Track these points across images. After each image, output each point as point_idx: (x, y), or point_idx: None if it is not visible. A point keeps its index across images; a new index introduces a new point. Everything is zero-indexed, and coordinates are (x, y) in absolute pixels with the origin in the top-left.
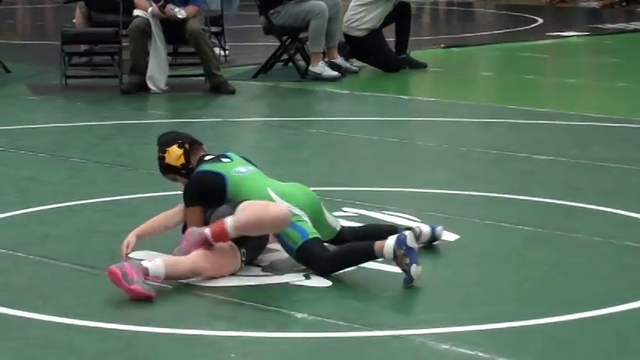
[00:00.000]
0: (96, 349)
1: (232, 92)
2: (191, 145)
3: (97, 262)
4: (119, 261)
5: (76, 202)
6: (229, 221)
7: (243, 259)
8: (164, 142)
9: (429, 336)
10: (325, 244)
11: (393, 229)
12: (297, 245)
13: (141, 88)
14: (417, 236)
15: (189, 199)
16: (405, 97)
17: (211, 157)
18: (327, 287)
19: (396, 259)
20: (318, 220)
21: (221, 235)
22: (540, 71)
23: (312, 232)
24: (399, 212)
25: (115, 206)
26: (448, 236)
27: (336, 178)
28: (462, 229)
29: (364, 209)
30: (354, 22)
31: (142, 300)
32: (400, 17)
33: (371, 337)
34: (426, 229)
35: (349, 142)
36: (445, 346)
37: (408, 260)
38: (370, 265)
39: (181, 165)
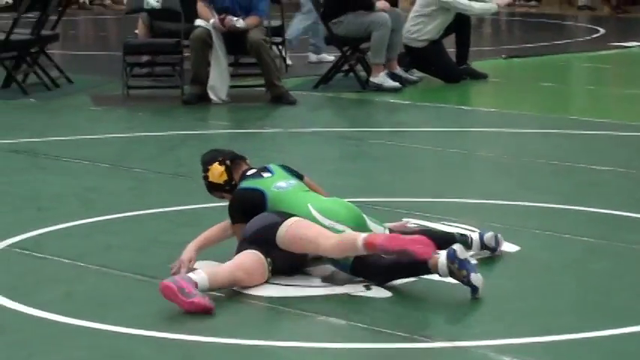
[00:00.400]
0: (157, 358)
1: (293, 103)
2: (232, 161)
3: (158, 273)
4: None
5: (138, 212)
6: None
7: (270, 268)
8: (206, 162)
9: (490, 347)
10: None
11: (439, 236)
12: (350, 261)
13: (202, 99)
14: (469, 245)
15: (233, 217)
16: (466, 107)
17: (253, 171)
18: (387, 298)
19: (452, 274)
20: (362, 232)
21: (425, 256)
22: (602, 82)
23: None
24: (460, 223)
25: (176, 216)
26: (508, 247)
27: (397, 189)
28: (523, 240)
29: (425, 220)
30: (413, 33)
31: (200, 312)
32: (460, 28)
33: (431, 349)
34: (475, 236)
35: (410, 153)
36: (506, 358)
37: (464, 272)
38: (430, 276)
39: (224, 182)
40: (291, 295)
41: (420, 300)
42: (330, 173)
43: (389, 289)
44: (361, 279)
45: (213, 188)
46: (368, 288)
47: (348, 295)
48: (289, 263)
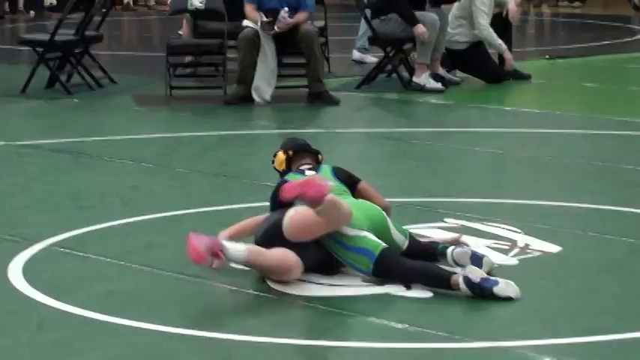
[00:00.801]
0: (197, 358)
1: (336, 103)
2: (295, 152)
3: (198, 272)
4: (223, 273)
5: (179, 211)
6: (332, 194)
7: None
8: (280, 146)
9: (530, 348)
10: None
11: (433, 249)
12: (370, 268)
13: (245, 100)
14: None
15: (270, 206)
16: (508, 108)
17: (305, 167)
18: (427, 298)
19: (474, 294)
20: (383, 237)
21: (318, 196)
22: None
23: (376, 246)
24: (501, 224)
25: (217, 216)
26: (550, 248)
27: (438, 189)
28: (565, 241)
29: (466, 220)
30: (454, 36)
31: (192, 256)
32: (502, 29)
33: (472, 349)
34: (449, 250)
35: (452, 153)
36: (546, 358)
37: (488, 292)
38: None
39: (282, 170)
40: (331, 295)
41: (460, 300)
42: (371, 173)
43: (429, 289)
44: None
45: (278, 174)
46: (408, 288)
47: (389, 295)
48: (314, 257)
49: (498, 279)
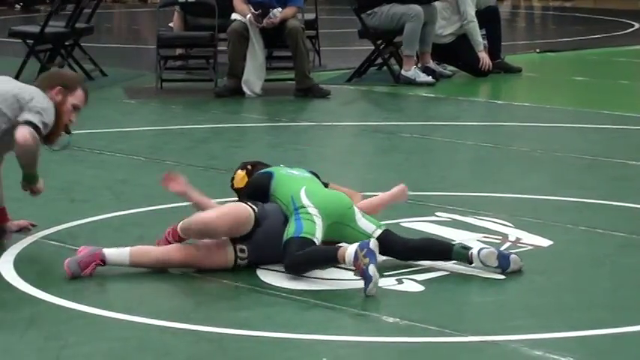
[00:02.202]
0: (188, 351)
1: (326, 95)
2: (254, 166)
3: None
4: None
5: (170, 204)
6: (181, 223)
7: (241, 255)
8: (236, 169)
9: (522, 342)
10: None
11: (446, 245)
12: (287, 237)
13: (235, 92)
14: (469, 259)
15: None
16: (499, 101)
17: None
18: (419, 292)
19: (356, 260)
20: (345, 225)
21: (174, 234)
22: (636, 76)
23: (307, 233)
24: (492, 217)
25: None
26: (541, 241)
27: (430, 183)
28: (556, 235)
29: (457, 214)
30: (439, 29)
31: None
32: (488, 22)
33: (463, 343)
34: (475, 251)
35: (442, 147)
36: (538, 352)
37: (367, 260)
38: (462, 270)
39: (242, 188)
40: (322, 289)
41: (452, 294)
42: (362, 167)
43: (421, 283)
44: (395, 272)
45: (239, 195)
46: (400, 282)
47: (380, 289)
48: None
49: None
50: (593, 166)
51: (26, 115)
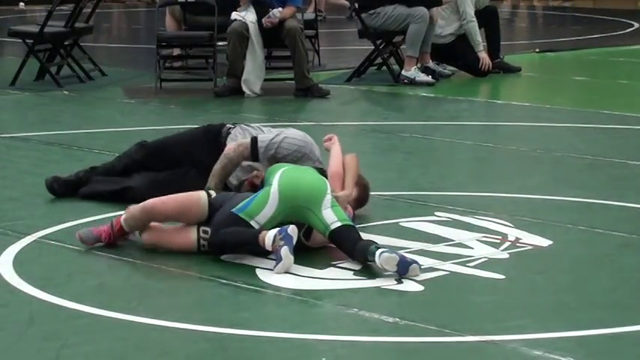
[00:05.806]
0: (188, 351)
1: (327, 94)
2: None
3: (189, 265)
4: (214, 267)
5: None
6: (129, 209)
7: (204, 236)
8: None
9: (521, 342)
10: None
11: (369, 243)
12: (232, 211)
13: (235, 92)
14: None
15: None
16: (499, 101)
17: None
18: (418, 292)
19: (273, 243)
20: (309, 210)
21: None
22: (635, 76)
23: (246, 214)
24: (492, 217)
25: None
26: (541, 241)
27: (429, 183)
28: (555, 235)
29: (457, 214)
30: (438, 29)
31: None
32: (488, 22)
33: (462, 343)
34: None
35: (442, 147)
36: (537, 352)
37: (282, 243)
38: (462, 270)
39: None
40: (322, 288)
41: (451, 294)
42: (361, 166)
43: (420, 283)
44: (390, 273)
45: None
46: (399, 282)
47: (379, 289)
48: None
49: None
50: (593, 166)
51: None
